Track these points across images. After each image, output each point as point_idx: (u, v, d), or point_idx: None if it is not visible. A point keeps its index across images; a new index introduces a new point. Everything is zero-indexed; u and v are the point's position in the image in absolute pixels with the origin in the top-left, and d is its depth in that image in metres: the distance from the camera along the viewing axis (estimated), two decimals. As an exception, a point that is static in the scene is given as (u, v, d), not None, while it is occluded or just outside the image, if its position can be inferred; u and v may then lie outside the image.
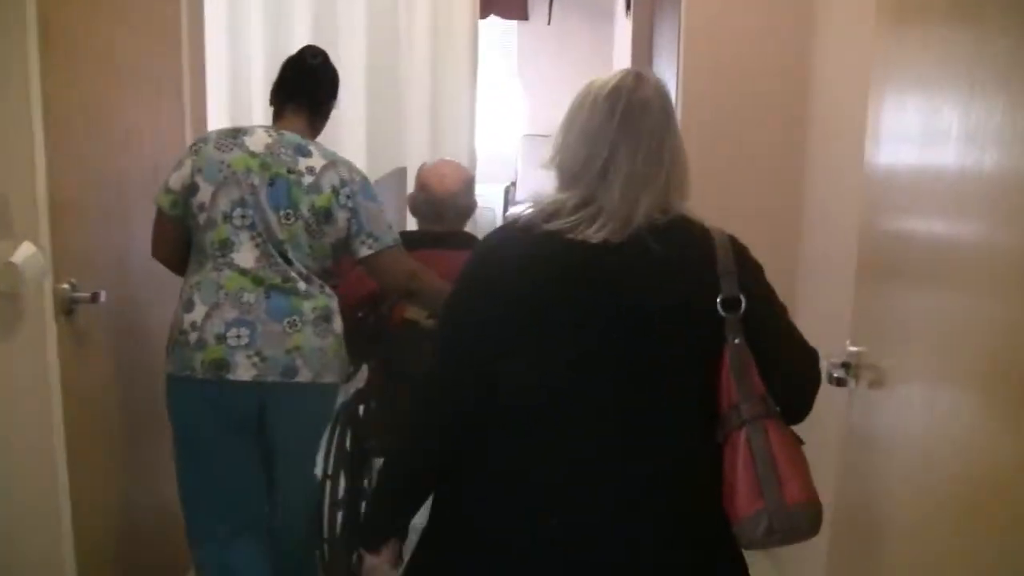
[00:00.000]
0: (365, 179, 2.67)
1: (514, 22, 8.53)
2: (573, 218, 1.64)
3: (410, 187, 5.39)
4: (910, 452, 1.67)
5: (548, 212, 1.66)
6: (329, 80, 2.77)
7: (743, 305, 1.60)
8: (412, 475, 1.76)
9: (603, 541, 1.61)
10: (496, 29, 8.62)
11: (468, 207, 3.14)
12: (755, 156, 3.38)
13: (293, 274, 2.55)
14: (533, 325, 1.64)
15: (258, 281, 2.53)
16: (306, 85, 2.73)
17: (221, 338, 2.50)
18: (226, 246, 2.53)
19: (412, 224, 3.33)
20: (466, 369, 1.68)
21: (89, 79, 2.51)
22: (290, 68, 2.76)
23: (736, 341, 1.60)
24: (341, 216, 2.58)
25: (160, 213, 2.60)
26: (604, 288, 1.62)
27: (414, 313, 2.85)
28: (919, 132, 1.71)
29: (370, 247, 2.60)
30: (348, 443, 3.06)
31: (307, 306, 2.55)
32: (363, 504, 3.08)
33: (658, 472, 1.61)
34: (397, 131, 5.65)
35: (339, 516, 3.05)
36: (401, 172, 5.40)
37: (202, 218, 2.54)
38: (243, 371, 2.51)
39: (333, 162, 2.61)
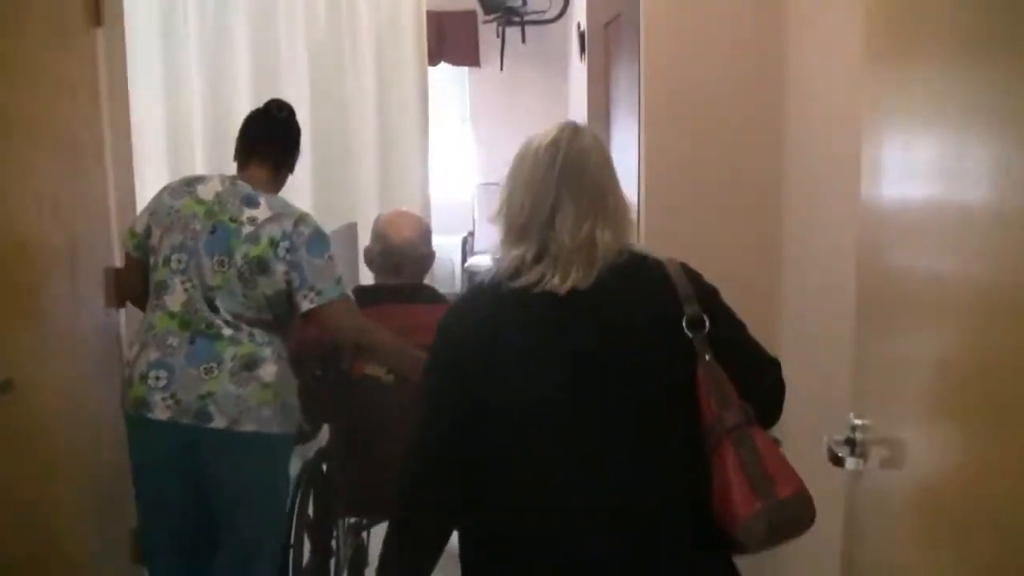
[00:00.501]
0: (316, 233, 2.66)
1: (465, 68, 8.34)
2: (535, 271, 1.71)
3: (363, 242, 5.27)
4: (943, 554, 1.39)
5: (511, 270, 1.73)
6: (295, 134, 2.83)
7: (707, 324, 1.70)
8: (418, 537, 1.80)
9: None
10: (447, 76, 8.44)
11: (426, 257, 3.08)
12: (726, 205, 3.16)
13: (218, 321, 2.58)
14: (512, 381, 1.70)
15: (184, 325, 2.60)
16: (271, 139, 2.79)
17: (144, 377, 2.59)
18: (161, 288, 2.63)
19: (369, 278, 3.28)
20: (452, 430, 1.74)
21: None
22: (255, 121, 2.81)
23: (707, 358, 1.69)
24: (278, 269, 2.59)
25: (127, 255, 2.77)
26: (581, 335, 1.70)
27: (374, 369, 2.82)
28: (932, 162, 1.48)
29: (312, 300, 2.60)
30: (311, 506, 2.98)
31: (228, 353, 2.58)
32: (331, 566, 3.08)
33: (651, 507, 1.68)
34: (345, 183, 5.45)
35: None
36: (351, 228, 5.22)
37: (151, 260, 2.67)
38: (159, 411, 2.57)
39: (279, 215, 2.63)
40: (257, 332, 2.62)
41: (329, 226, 4.89)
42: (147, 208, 2.75)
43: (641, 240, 3.01)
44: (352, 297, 2.70)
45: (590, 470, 1.69)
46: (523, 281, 1.71)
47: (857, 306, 1.81)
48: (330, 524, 3.09)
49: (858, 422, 1.66)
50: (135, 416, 2.62)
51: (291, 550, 2.90)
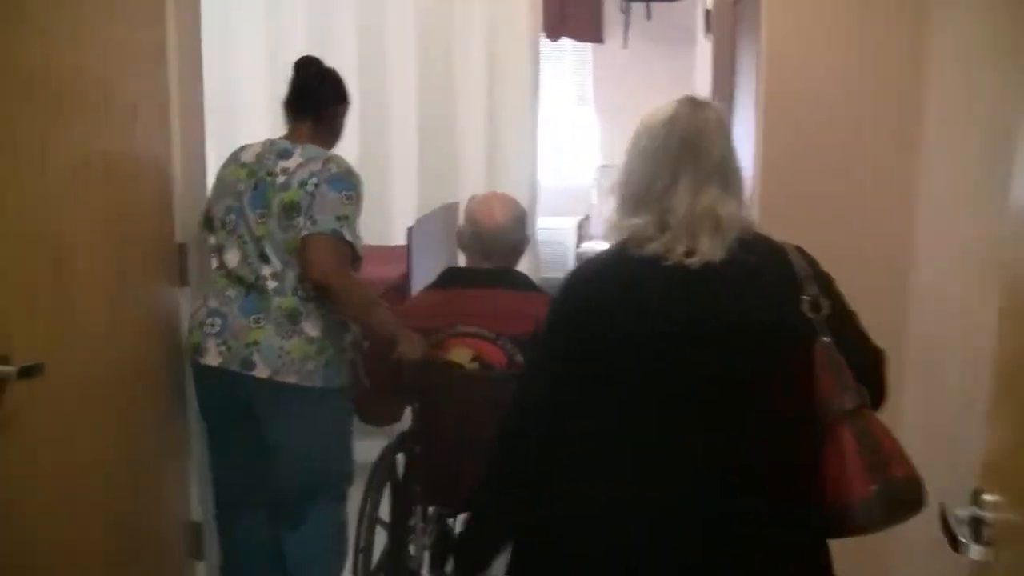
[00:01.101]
0: (342, 171, 2.69)
1: (588, 45, 8.02)
2: (662, 241, 1.69)
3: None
4: None
5: (638, 238, 1.71)
6: (327, 88, 2.87)
7: (825, 307, 1.69)
8: (499, 511, 1.86)
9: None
10: (569, 53, 8.13)
11: (518, 243, 2.97)
12: (846, 207, 2.82)
13: (266, 272, 2.67)
14: (637, 352, 1.68)
15: (239, 280, 2.70)
16: (301, 95, 2.83)
17: (201, 324, 2.71)
18: (220, 250, 2.76)
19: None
20: (556, 396, 1.74)
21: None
22: (291, 83, 2.85)
23: (826, 340, 1.68)
24: (305, 204, 2.62)
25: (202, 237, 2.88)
26: (709, 309, 1.67)
27: (458, 355, 2.76)
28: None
29: (306, 228, 2.61)
30: (388, 495, 2.95)
31: (273, 304, 2.66)
32: (409, 554, 3.03)
33: (759, 484, 1.67)
34: (451, 164, 5.22)
35: None
36: (451, 208, 4.99)
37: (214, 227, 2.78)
38: (211, 357, 2.69)
39: (310, 159, 2.68)
40: (303, 286, 2.66)
41: (434, 205, 4.76)
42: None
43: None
44: (346, 239, 2.64)
45: (706, 443, 1.68)
46: (651, 250, 1.69)
47: (1000, 341, 1.45)
48: (408, 510, 3.01)
49: (988, 498, 1.31)
50: (193, 363, 2.75)
51: (360, 556, 2.86)
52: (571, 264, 7.56)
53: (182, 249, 2.80)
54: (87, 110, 2.29)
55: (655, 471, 1.68)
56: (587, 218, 8.04)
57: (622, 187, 1.79)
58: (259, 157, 2.75)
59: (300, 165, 2.69)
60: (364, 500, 2.87)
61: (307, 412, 2.73)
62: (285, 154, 2.73)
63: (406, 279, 3.89)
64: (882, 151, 2.80)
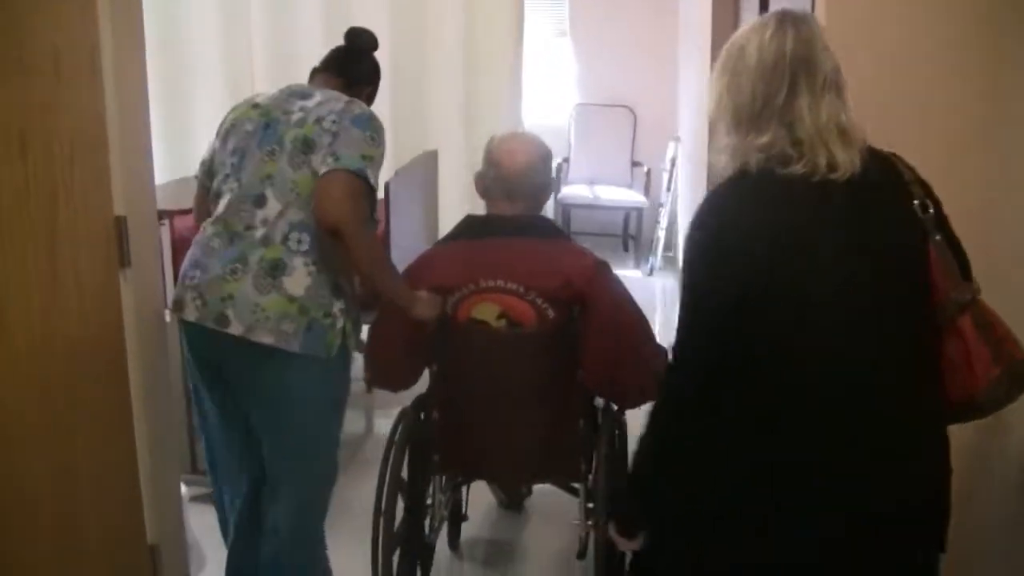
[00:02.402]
0: (367, 114, 2.53)
1: (565, -27, 7.52)
2: (806, 160, 1.70)
3: (446, 172, 4.60)
4: None
5: (778, 157, 1.71)
6: (367, 65, 2.81)
7: (931, 207, 1.76)
8: (673, 451, 1.83)
9: (874, 486, 1.72)
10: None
11: (544, 185, 2.80)
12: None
13: (257, 219, 2.44)
14: (797, 270, 1.70)
15: (226, 227, 2.48)
16: (339, 58, 2.77)
17: (183, 277, 2.52)
18: (218, 195, 2.56)
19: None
20: (720, 324, 1.72)
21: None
22: (334, 49, 2.80)
23: (937, 237, 1.75)
24: (323, 142, 2.42)
25: (200, 186, 2.71)
26: (860, 222, 1.72)
27: (483, 312, 2.63)
28: None
29: (327, 164, 2.39)
30: (405, 464, 2.77)
31: (255, 255, 2.42)
32: (427, 529, 2.97)
33: (905, 385, 1.75)
34: (426, 106, 4.77)
35: (396, 554, 2.76)
36: (431, 156, 4.57)
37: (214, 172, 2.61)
38: (189, 311, 2.48)
39: (330, 99, 2.54)
40: (296, 238, 2.43)
41: (408, 155, 4.36)
42: (215, 134, 2.66)
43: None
44: (369, 179, 2.42)
45: (864, 355, 1.72)
46: (798, 168, 1.71)
47: None
48: (425, 480, 2.90)
49: None
50: (177, 317, 2.55)
51: (381, 519, 2.66)
52: (550, 210, 7.13)
53: (121, 223, 2.29)
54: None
55: (832, 383, 1.72)
56: (566, 160, 7.61)
57: (734, 106, 1.76)
58: (274, 99, 2.60)
59: (319, 103, 2.52)
60: (384, 461, 2.70)
61: (282, 379, 2.47)
62: (304, 95, 2.58)
63: (385, 237, 3.65)
64: (959, 108, 2.42)
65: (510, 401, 2.72)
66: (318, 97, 2.55)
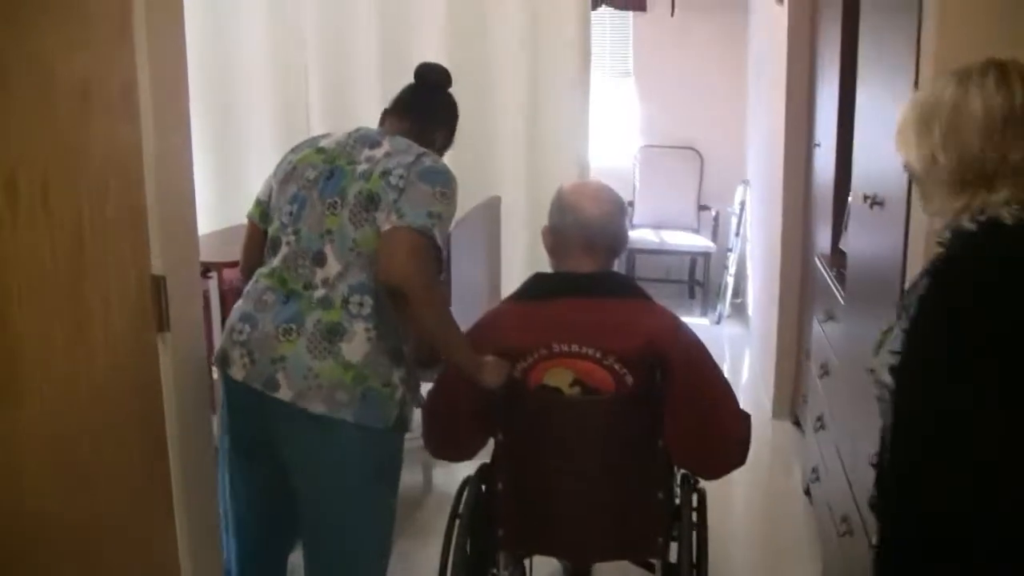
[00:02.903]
0: (437, 166, 2.37)
1: (629, 13, 7.30)
2: None
3: (510, 220, 4.37)
4: None
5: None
6: (438, 101, 2.63)
7: None
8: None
9: None
10: (608, 21, 7.42)
11: (623, 237, 2.64)
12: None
13: (317, 278, 2.32)
14: None
15: (282, 282, 2.37)
16: (409, 98, 2.59)
17: (231, 330, 2.40)
18: (275, 244, 2.43)
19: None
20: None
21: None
22: (405, 89, 2.63)
23: None
24: (389, 199, 2.28)
25: (249, 224, 2.57)
26: None
27: (556, 378, 2.44)
28: None
29: (391, 221, 2.26)
30: (468, 541, 2.58)
31: (312, 316, 2.29)
32: None
33: None
34: (488, 149, 4.55)
35: None
36: (494, 202, 4.35)
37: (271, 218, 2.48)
38: (236, 370, 2.35)
39: (399, 151, 2.37)
40: (357, 300, 2.30)
41: (469, 202, 4.15)
42: (273, 173, 2.54)
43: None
44: (436, 239, 2.26)
45: None
46: None
47: None
48: (487, 557, 2.70)
49: None
50: (220, 372, 2.42)
51: None
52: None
53: (159, 284, 2.07)
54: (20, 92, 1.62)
55: None
56: (631, 204, 7.36)
57: (959, 163, 1.61)
58: (340, 144, 2.44)
59: (387, 154, 2.37)
60: (447, 533, 2.58)
61: (337, 448, 2.34)
62: (372, 143, 2.42)
63: (446, 287, 3.46)
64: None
65: (584, 473, 2.53)
66: (386, 147, 2.39)
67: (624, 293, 2.55)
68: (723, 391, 2.50)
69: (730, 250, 7.00)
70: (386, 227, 2.26)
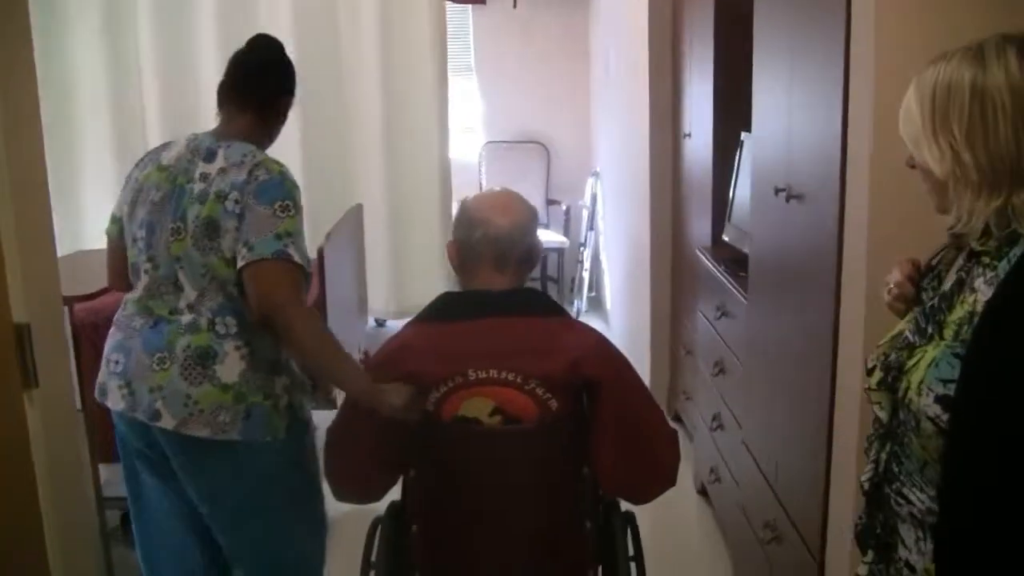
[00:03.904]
0: (273, 179, 2.25)
1: (469, 7, 7.12)
2: None
3: (373, 229, 4.18)
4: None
5: None
6: (280, 72, 2.46)
7: None
8: None
9: None
10: (448, 17, 7.20)
11: (537, 252, 2.42)
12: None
13: (181, 305, 2.29)
14: None
15: (148, 310, 2.32)
16: (248, 78, 2.42)
17: (107, 361, 2.36)
18: (135, 270, 2.38)
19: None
20: None
21: None
22: (233, 63, 2.46)
23: None
24: (230, 227, 2.23)
25: (109, 241, 2.50)
26: None
27: (473, 408, 2.23)
28: None
29: (243, 258, 2.20)
30: None
31: (181, 343, 2.25)
32: None
33: None
34: (344, 153, 4.32)
35: None
36: (357, 212, 4.12)
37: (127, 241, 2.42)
38: (114, 400, 2.32)
39: (233, 165, 2.27)
40: (222, 321, 2.27)
41: (333, 214, 3.91)
42: (123, 187, 2.48)
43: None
44: (293, 257, 2.20)
45: None
46: None
47: None
48: None
49: None
50: (102, 404, 2.38)
51: None
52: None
53: (23, 333, 1.78)
54: None
55: None
56: (465, 199, 7.18)
57: (989, 160, 1.38)
58: (180, 159, 2.34)
59: (221, 171, 2.26)
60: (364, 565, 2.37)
61: (226, 473, 2.31)
62: (209, 155, 2.31)
63: (320, 306, 3.28)
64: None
65: (507, 508, 2.32)
66: (220, 160, 2.29)
67: (543, 311, 2.35)
68: (655, 413, 2.34)
69: (583, 244, 6.91)
70: (240, 263, 2.20)
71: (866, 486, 1.58)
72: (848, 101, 2.10)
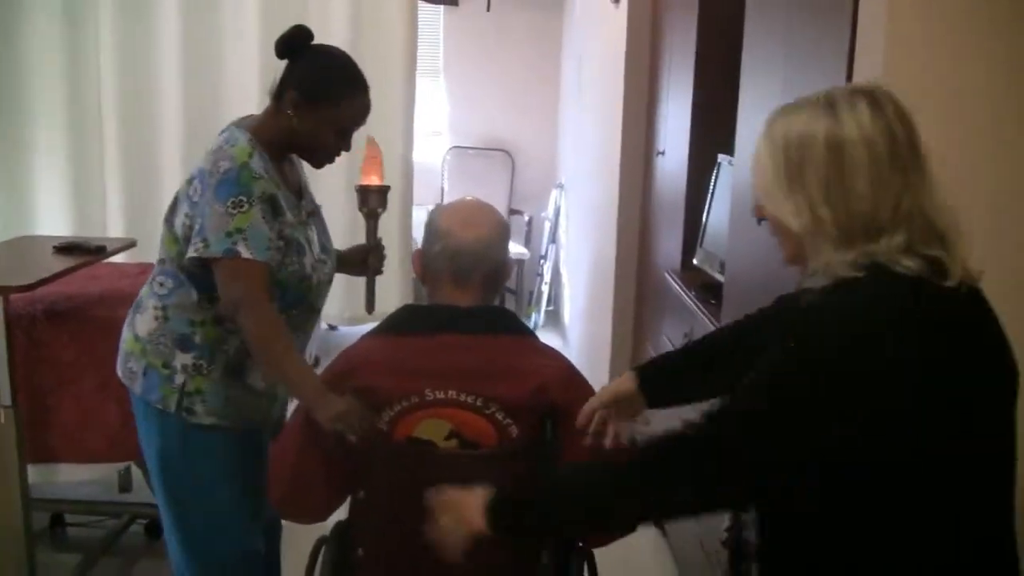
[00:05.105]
0: (230, 174, 2.22)
1: (441, 8, 6.99)
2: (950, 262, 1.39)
3: (332, 231, 4.07)
4: None
5: (930, 268, 1.37)
6: (292, 66, 2.35)
7: None
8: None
9: None
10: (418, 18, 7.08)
11: (505, 267, 2.31)
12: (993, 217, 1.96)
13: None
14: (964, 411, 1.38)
15: None
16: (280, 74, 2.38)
17: None
18: None
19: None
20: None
21: None
22: None
23: None
24: (183, 209, 2.29)
25: None
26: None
27: (428, 430, 2.13)
28: None
29: (198, 250, 2.22)
30: None
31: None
32: None
33: None
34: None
35: None
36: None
37: None
38: None
39: (211, 151, 2.30)
40: (159, 280, 2.37)
41: None
42: None
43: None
44: (241, 254, 2.20)
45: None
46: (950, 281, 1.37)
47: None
48: None
49: None
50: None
51: None
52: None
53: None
54: None
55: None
56: (438, 206, 7.05)
57: (847, 216, 1.40)
58: None
59: (205, 154, 2.30)
60: None
61: (140, 419, 2.44)
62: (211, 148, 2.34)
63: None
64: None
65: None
66: (212, 144, 2.33)
67: (508, 330, 2.24)
68: (621, 450, 2.22)
69: (543, 257, 6.81)
70: (192, 252, 2.23)
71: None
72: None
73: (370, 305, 2.63)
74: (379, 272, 2.64)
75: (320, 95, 2.31)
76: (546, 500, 1.69)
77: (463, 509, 1.74)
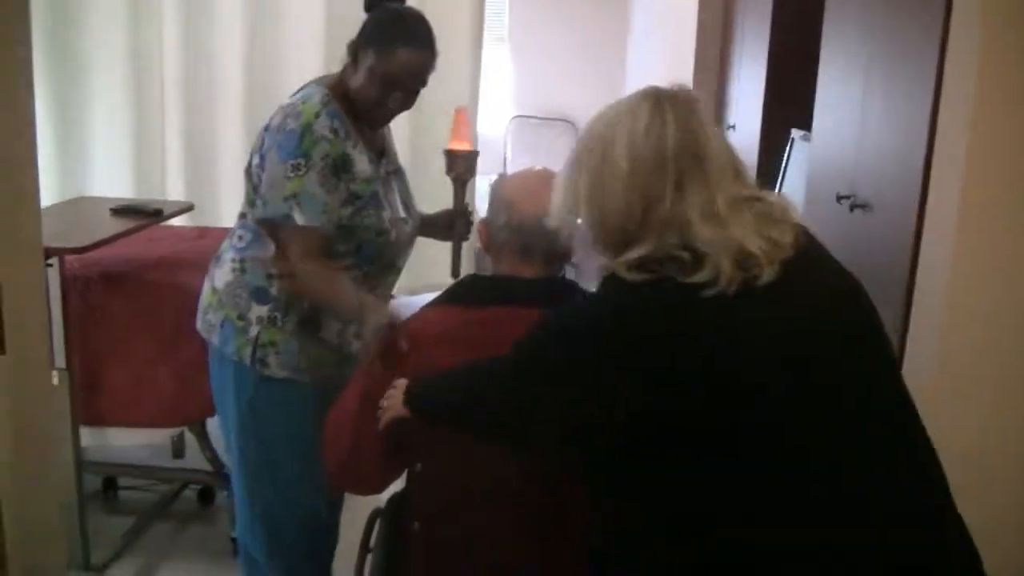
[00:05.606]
0: (295, 132, 2.18)
1: (507, -26, 6.91)
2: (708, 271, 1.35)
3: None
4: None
5: (703, 279, 1.33)
6: (367, 23, 2.27)
7: None
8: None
9: None
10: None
11: (570, 240, 2.13)
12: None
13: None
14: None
15: None
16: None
17: None
18: None
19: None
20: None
21: None
22: None
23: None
24: (255, 160, 2.29)
25: None
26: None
27: None
28: None
29: (259, 211, 2.27)
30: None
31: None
32: None
33: None
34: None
35: None
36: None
37: None
38: None
39: (283, 105, 2.28)
40: (239, 234, 2.37)
41: None
42: None
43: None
44: (295, 220, 2.20)
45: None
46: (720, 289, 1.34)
47: None
48: None
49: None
50: None
51: None
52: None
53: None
54: None
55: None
56: (501, 175, 6.99)
57: (601, 216, 1.45)
58: None
59: (278, 109, 2.27)
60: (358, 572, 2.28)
61: (216, 371, 2.44)
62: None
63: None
64: None
65: (522, 516, 2.13)
66: (290, 98, 2.33)
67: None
68: None
69: (606, 229, 6.73)
70: (259, 215, 2.27)
71: None
72: (939, 103, 1.88)
73: (456, 270, 2.58)
74: (465, 238, 2.58)
75: (370, 43, 2.26)
76: (446, 386, 1.82)
77: (397, 394, 1.85)
